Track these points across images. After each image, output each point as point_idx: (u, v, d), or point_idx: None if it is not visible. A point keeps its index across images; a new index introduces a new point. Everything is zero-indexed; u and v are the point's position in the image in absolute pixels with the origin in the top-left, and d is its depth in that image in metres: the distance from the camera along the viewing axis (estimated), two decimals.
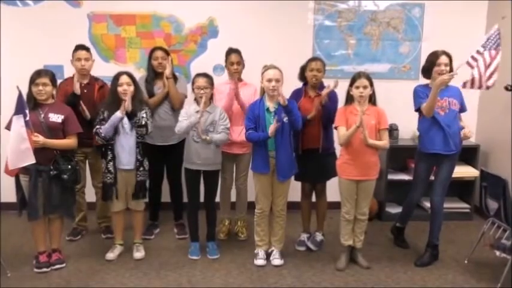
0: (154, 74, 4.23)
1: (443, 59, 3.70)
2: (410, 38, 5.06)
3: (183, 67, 4.90)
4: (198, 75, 3.86)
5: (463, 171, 4.84)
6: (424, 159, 3.91)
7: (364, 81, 3.60)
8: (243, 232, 4.41)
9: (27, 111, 3.29)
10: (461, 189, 5.08)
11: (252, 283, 3.59)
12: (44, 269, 3.67)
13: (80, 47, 4.10)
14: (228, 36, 4.88)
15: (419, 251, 4.03)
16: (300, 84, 4.10)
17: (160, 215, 4.57)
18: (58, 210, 3.62)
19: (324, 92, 3.80)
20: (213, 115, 3.84)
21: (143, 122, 3.74)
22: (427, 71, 3.82)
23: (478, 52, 3.55)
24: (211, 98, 3.91)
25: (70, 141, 3.61)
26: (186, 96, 4.30)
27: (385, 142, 3.67)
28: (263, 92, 3.83)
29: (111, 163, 3.77)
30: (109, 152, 3.77)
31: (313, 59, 4.09)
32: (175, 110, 4.15)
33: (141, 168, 3.84)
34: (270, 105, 3.70)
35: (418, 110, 3.83)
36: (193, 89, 3.88)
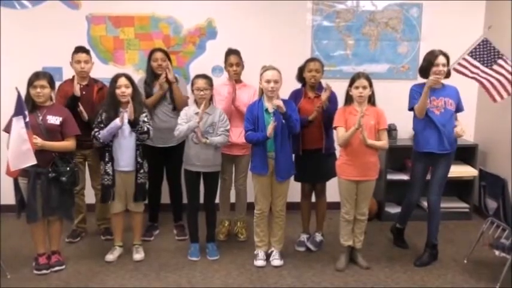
0: (153, 76, 4.22)
1: (441, 59, 3.71)
2: (408, 38, 5.07)
3: (182, 68, 4.90)
4: (198, 76, 3.87)
5: (461, 170, 4.85)
6: (419, 158, 3.92)
7: (363, 82, 3.61)
8: (243, 233, 4.41)
9: (26, 113, 3.29)
10: (460, 188, 5.09)
11: (252, 284, 3.59)
12: (44, 271, 3.66)
13: (79, 49, 4.10)
14: (226, 37, 4.88)
15: (419, 251, 4.03)
16: (298, 85, 4.11)
17: (160, 217, 4.57)
18: (57, 212, 3.62)
19: (324, 96, 3.80)
20: (213, 117, 3.84)
21: (145, 129, 3.75)
22: (424, 71, 3.83)
23: (465, 60, 3.53)
24: (210, 99, 3.92)
25: (68, 143, 3.61)
26: (188, 98, 4.30)
27: (384, 142, 3.67)
28: (262, 92, 3.83)
29: (109, 165, 3.77)
30: (107, 154, 3.77)
31: (312, 59, 4.09)
32: (178, 110, 4.14)
33: (142, 171, 3.84)
34: (269, 106, 3.70)
35: (412, 109, 3.84)
36: (192, 91, 3.88)
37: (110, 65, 4.89)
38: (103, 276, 3.66)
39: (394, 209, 4.91)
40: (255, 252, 3.93)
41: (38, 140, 3.39)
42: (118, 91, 3.72)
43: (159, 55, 4.24)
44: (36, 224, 3.61)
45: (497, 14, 4.89)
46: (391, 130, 4.82)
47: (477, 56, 3.51)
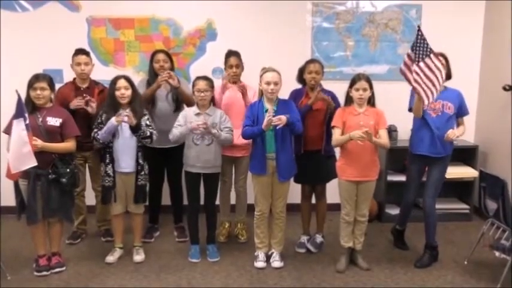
0: (156, 77, 4.20)
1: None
2: (408, 39, 5.05)
3: (182, 70, 4.90)
4: (198, 78, 3.87)
5: (462, 171, 4.85)
6: (414, 160, 3.94)
7: (363, 84, 3.61)
8: (243, 234, 4.41)
9: (26, 115, 3.30)
10: (461, 190, 5.08)
11: (252, 285, 3.59)
12: (44, 273, 3.67)
13: (79, 51, 4.11)
14: (226, 38, 4.89)
15: (419, 252, 4.03)
16: (298, 86, 4.11)
17: (160, 218, 4.58)
18: (57, 213, 3.62)
19: (315, 99, 3.82)
20: (213, 117, 3.84)
21: (148, 133, 3.76)
22: None
23: (409, 57, 3.45)
24: (211, 101, 3.93)
25: (68, 145, 3.62)
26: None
27: (386, 141, 3.67)
28: (261, 94, 3.83)
29: (110, 166, 3.77)
30: (107, 155, 3.78)
31: (312, 61, 4.09)
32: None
33: (142, 173, 3.85)
34: (269, 107, 3.70)
35: (411, 109, 3.85)
36: (193, 92, 3.89)
37: (111, 67, 4.90)
38: (103, 278, 3.67)
39: (394, 210, 4.91)
40: (255, 253, 3.93)
41: (38, 142, 3.40)
42: (117, 93, 3.73)
43: (161, 56, 4.25)
44: (36, 226, 3.61)
45: (497, 14, 4.88)
46: (391, 131, 4.82)
47: (416, 50, 3.39)
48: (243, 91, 4.08)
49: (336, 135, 3.67)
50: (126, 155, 3.78)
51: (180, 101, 4.24)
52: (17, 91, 3.31)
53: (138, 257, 3.95)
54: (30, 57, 4.76)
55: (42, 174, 3.48)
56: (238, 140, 4.05)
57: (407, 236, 4.30)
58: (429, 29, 4.97)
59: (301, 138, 3.93)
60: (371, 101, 3.71)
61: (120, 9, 4.84)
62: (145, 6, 4.84)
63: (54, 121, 3.56)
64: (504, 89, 4.55)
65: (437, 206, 3.93)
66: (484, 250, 3.88)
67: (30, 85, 3.52)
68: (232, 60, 4.19)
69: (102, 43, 4.91)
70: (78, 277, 3.68)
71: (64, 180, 3.54)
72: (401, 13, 5.04)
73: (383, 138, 3.65)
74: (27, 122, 3.28)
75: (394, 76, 5.08)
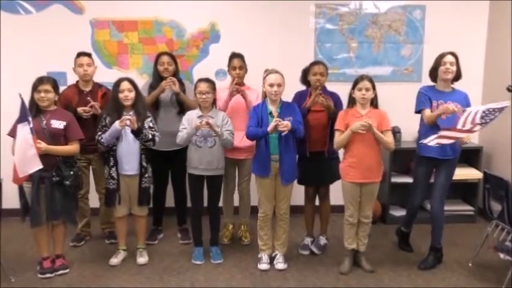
0: (160, 80, 4.21)
1: (449, 57, 3.69)
2: (411, 40, 5.05)
3: (185, 72, 4.90)
4: (200, 80, 3.88)
5: (466, 173, 4.83)
6: (422, 162, 3.91)
7: (366, 84, 3.61)
8: (247, 236, 4.41)
9: (30, 118, 3.31)
10: (465, 191, 5.07)
11: (256, 287, 3.58)
12: (48, 275, 3.68)
13: (81, 54, 4.13)
14: (229, 40, 4.89)
15: (423, 254, 4.01)
16: (301, 88, 4.11)
17: (164, 220, 4.57)
18: (61, 216, 3.63)
19: (312, 102, 3.82)
20: (216, 120, 3.84)
21: (150, 137, 3.76)
22: (432, 72, 3.81)
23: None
24: (213, 103, 3.93)
25: (72, 148, 3.63)
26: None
27: (390, 139, 3.65)
28: (265, 96, 3.83)
29: (114, 169, 3.78)
30: (111, 158, 3.78)
31: (316, 62, 4.09)
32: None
33: (146, 175, 3.85)
34: (273, 109, 3.70)
35: (418, 112, 3.83)
36: (195, 94, 3.89)
37: (114, 70, 4.91)
38: (107, 280, 3.67)
39: (398, 212, 4.90)
40: (259, 255, 3.93)
41: (42, 145, 3.41)
42: (121, 95, 3.73)
43: (165, 59, 4.25)
44: (40, 228, 3.62)
45: (501, 14, 4.86)
46: (395, 133, 4.78)
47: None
48: (243, 94, 4.07)
49: (337, 138, 3.67)
50: (129, 158, 3.78)
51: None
52: (20, 95, 3.32)
53: (142, 259, 3.95)
54: (34, 59, 4.77)
55: (46, 176, 3.49)
56: (241, 142, 4.06)
57: (411, 237, 4.28)
58: (433, 30, 5.01)
59: (306, 140, 3.93)
60: (374, 103, 3.71)
61: (123, 12, 4.85)
62: (148, 9, 4.85)
63: (58, 124, 3.58)
64: (508, 89, 4.52)
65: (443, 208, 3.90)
66: (489, 252, 3.87)
67: (35, 88, 3.54)
68: (236, 62, 4.19)
69: (105, 45, 4.92)
70: (82, 279, 3.68)
71: (68, 182, 3.55)
72: (405, 14, 5.02)
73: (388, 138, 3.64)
74: (31, 125, 3.30)
75: (398, 77, 5.09)
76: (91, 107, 3.97)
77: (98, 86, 4.22)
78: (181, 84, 4.29)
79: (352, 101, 3.72)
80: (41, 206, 3.52)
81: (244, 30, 4.92)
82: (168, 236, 4.53)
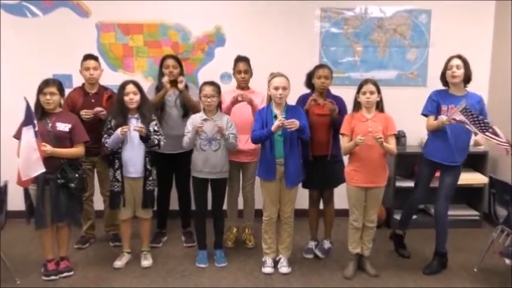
0: None
1: (455, 61, 3.67)
2: (417, 44, 5.05)
3: (190, 75, 4.91)
4: (205, 83, 3.88)
5: (471, 178, 4.81)
6: (426, 164, 3.91)
7: (371, 87, 3.60)
8: (251, 240, 4.41)
9: (35, 122, 3.33)
10: (470, 196, 5.04)
11: None
12: (52, 277, 3.69)
13: (88, 57, 4.14)
14: (234, 44, 4.90)
15: (428, 259, 3.98)
16: (306, 91, 4.10)
17: (168, 223, 4.57)
18: (65, 218, 3.63)
19: (308, 105, 3.83)
20: (220, 123, 3.84)
21: (155, 142, 3.77)
22: (442, 77, 3.81)
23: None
24: (218, 106, 3.93)
25: (77, 150, 3.64)
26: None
27: (393, 147, 3.64)
28: (270, 99, 3.83)
29: (119, 171, 3.78)
30: (116, 161, 3.79)
31: (321, 66, 4.09)
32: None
33: (150, 178, 3.86)
34: (278, 112, 3.70)
35: (425, 115, 3.82)
36: (200, 97, 3.90)
37: (120, 72, 4.93)
38: (111, 283, 3.67)
39: None
40: (263, 259, 3.92)
41: (48, 147, 3.42)
42: (126, 98, 3.74)
43: (170, 62, 4.26)
44: (45, 230, 3.63)
45: (507, 18, 4.84)
46: (400, 137, 4.79)
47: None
48: (251, 103, 4.05)
49: (344, 143, 3.67)
50: (134, 161, 3.79)
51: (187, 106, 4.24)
52: (25, 98, 3.34)
53: (146, 262, 3.95)
54: (39, 62, 4.80)
55: (51, 179, 3.50)
56: (246, 145, 4.06)
57: (415, 242, 4.26)
58: (438, 34, 5.00)
59: (309, 144, 3.92)
60: (379, 106, 3.70)
61: (129, 15, 4.87)
62: (154, 12, 4.87)
63: (63, 126, 3.59)
64: None
65: (447, 213, 3.89)
66: (494, 257, 3.85)
67: (40, 90, 3.55)
68: (241, 65, 4.20)
69: (111, 48, 4.94)
70: (86, 282, 3.69)
71: (72, 185, 3.56)
72: (410, 18, 5.02)
73: (390, 144, 3.63)
74: (36, 128, 3.31)
75: (403, 82, 5.08)
76: (95, 113, 3.97)
77: (103, 88, 4.24)
78: (186, 87, 4.29)
79: (357, 105, 3.72)
80: (46, 208, 3.53)
81: (249, 34, 4.94)
82: (172, 238, 4.53)
